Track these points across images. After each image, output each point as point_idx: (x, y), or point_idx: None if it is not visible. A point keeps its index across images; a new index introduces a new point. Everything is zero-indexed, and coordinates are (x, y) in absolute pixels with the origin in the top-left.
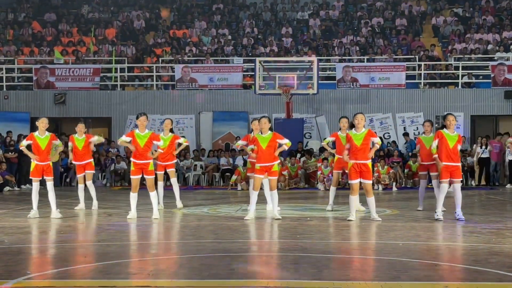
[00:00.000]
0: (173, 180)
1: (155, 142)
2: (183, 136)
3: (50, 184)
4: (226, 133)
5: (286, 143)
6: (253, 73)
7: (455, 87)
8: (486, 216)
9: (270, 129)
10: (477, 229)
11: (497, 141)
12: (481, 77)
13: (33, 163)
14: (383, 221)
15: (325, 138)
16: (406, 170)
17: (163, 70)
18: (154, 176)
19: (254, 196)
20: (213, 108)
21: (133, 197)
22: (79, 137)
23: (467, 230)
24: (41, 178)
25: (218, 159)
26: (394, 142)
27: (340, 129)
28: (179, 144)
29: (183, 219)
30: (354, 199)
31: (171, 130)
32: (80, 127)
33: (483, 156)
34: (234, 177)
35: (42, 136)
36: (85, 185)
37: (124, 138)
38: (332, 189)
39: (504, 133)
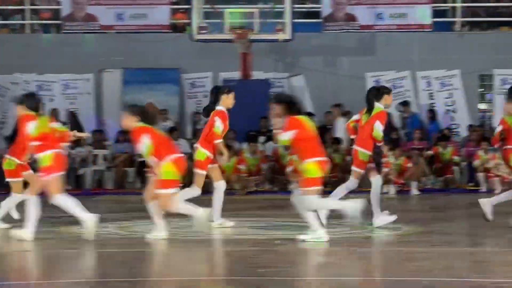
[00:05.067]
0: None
1: None
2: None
3: None
4: (145, 103)
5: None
6: (188, 6)
7: (510, 29)
8: None
9: None
10: None
11: None
12: None
13: None
14: (398, 245)
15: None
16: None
17: (42, 2)
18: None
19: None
20: (124, 63)
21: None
22: None
23: None
24: None
25: (132, 146)
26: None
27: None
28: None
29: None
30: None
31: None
32: None
33: None
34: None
35: None
36: None
37: None
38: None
39: None
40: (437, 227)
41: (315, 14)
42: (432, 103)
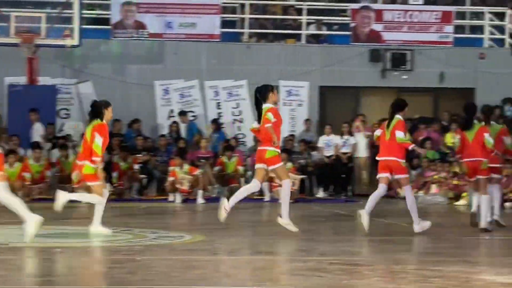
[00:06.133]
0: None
1: None
2: None
3: None
4: None
5: None
6: None
7: (297, 42)
8: (336, 244)
9: None
10: (323, 265)
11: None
12: (335, 27)
13: None
14: (179, 253)
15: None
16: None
17: None
18: None
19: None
20: None
21: None
22: None
23: (306, 267)
24: None
25: None
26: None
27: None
28: None
29: None
30: None
31: None
32: None
33: (344, 150)
34: None
35: None
36: None
37: None
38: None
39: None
40: (220, 235)
41: (104, 21)
42: (220, 113)
